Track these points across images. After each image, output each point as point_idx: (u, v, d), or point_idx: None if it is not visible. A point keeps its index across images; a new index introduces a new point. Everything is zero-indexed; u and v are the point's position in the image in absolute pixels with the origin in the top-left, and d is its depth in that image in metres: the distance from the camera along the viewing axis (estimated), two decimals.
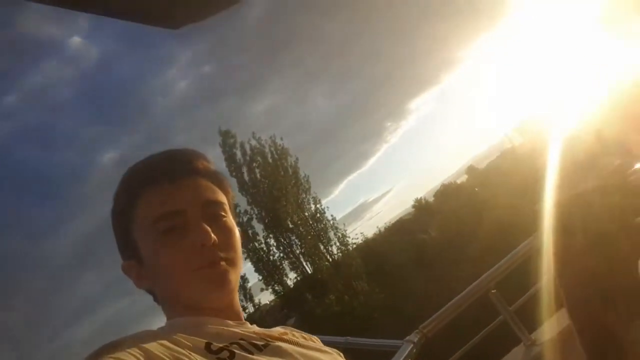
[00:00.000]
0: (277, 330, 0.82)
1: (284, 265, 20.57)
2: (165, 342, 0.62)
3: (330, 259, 20.95)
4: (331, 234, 21.24)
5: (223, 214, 0.80)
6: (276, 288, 20.30)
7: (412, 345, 2.04)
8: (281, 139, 21.19)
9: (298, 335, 0.84)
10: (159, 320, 0.79)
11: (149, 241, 0.75)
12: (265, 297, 21.27)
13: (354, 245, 21.88)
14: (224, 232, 0.78)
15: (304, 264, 20.74)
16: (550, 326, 2.79)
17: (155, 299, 0.81)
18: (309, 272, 20.70)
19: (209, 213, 0.78)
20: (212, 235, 0.74)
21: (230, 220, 0.82)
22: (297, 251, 20.62)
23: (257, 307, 20.82)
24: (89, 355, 0.58)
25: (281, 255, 20.47)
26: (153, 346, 0.60)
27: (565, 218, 0.95)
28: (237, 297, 0.83)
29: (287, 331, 0.83)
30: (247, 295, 20.08)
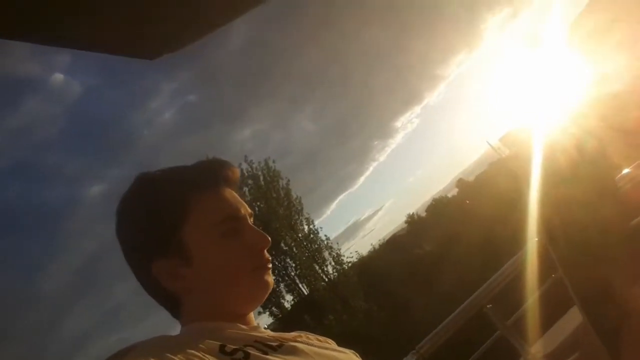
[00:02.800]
0: (292, 333, 0.85)
1: (280, 287, 20.34)
2: (178, 345, 0.64)
3: (326, 279, 20.75)
4: (326, 254, 21.04)
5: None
6: (274, 310, 20.02)
7: None
8: (273, 161, 21.04)
9: (312, 337, 0.87)
10: None
11: (207, 242, 0.78)
12: (263, 321, 20.98)
13: (350, 264, 21.69)
14: None
15: (300, 285, 20.53)
16: (550, 338, 2.77)
17: (176, 302, 0.80)
18: (305, 293, 20.47)
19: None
20: (269, 238, 0.82)
21: None
22: (292, 273, 20.42)
23: None
24: None
25: (276, 278, 20.26)
26: (167, 350, 0.61)
27: (548, 228, 0.95)
28: None
29: (302, 334, 0.86)
30: None
